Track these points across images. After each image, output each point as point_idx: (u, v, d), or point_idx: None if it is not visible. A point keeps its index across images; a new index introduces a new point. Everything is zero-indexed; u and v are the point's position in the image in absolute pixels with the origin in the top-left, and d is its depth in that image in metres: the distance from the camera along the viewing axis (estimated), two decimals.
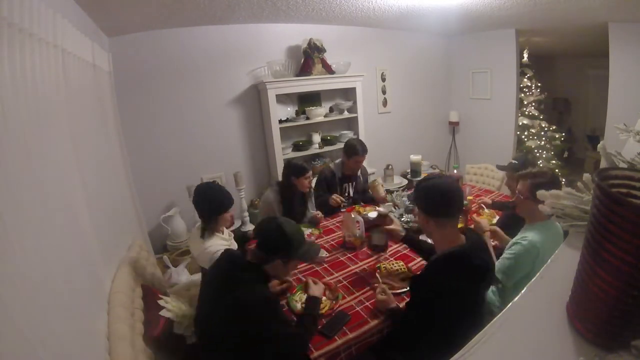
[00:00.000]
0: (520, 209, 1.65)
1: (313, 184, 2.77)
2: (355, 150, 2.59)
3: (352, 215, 2.06)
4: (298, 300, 1.55)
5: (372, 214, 2.25)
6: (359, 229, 2.03)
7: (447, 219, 1.26)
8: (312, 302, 1.44)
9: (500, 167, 2.38)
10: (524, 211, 1.64)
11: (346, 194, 2.77)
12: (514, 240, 1.58)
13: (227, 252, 1.38)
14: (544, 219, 1.56)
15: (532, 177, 1.59)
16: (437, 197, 1.26)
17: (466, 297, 1.21)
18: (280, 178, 2.53)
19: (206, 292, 1.32)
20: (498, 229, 1.92)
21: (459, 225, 2.11)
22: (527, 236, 1.51)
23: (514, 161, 2.26)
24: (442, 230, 1.28)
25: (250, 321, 1.16)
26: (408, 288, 1.56)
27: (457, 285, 1.18)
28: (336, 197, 2.56)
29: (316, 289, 1.50)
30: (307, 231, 2.28)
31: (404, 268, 1.72)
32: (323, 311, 1.45)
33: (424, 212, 1.29)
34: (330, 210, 2.59)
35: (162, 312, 1.45)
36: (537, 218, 1.58)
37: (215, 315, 1.21)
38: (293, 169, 2.42)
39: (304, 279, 1.73)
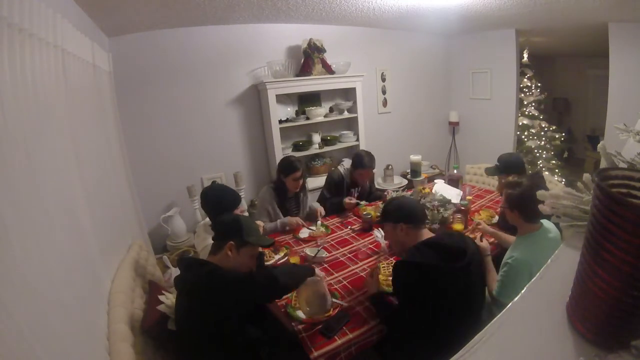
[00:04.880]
0: (508, 218, 1.63)
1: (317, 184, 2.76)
2: (361, 162, 2.52)
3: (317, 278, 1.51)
4: (299, 308, 1.50)
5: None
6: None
7: (423, 223, 1.48)
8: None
9: (487, 171, 2.36)
10: (509, 219, 1.63)
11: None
12: (504, 259, 1.54)
13: (181, 258, 1.44)
14: (532, 230, 1.54)
15: (508, 187, 1.59)
16: (413, 207, 1.47)
17: (443, 276, 1.27)
18: None
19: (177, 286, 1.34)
20: (496, 231, 1.92)
21: (459, 226, 2.14)
22: (515, 254, 1.48)
23: (497, 163, 2.24)
24: (418, 232, 1.44)
25: (210, 299, 1.18)
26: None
27: (433, 263, 1.27)
28: (349, 201, 2.53)
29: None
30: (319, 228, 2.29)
31: None
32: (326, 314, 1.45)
33: (405, 222, 1.43)
34: (336, 212, 2.58)
35: (160, 307, 1.46)
36: (522, 229, 1.57)
37: (183, 308, 1.26)
38: (283, 166, 2.34)
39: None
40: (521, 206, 1.52)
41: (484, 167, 2.76)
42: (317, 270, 1.52)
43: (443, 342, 0.82)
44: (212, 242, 1.38)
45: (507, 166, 2.19)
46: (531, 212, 1.50)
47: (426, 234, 1.46)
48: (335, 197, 2.62)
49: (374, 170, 3.72)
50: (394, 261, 1.82)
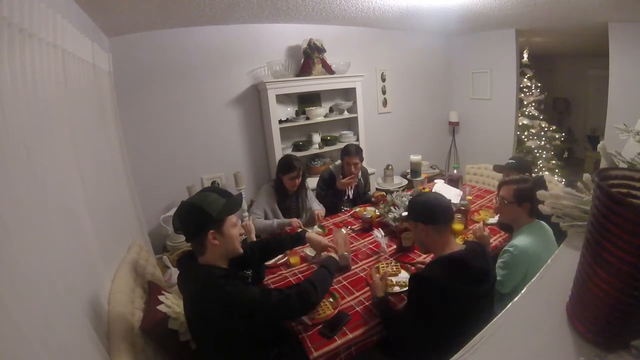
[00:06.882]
0: (503, 215, 1.73)
1: (313, 185, 2.76)
2: (347, 151, 2.59)
3: (343, 231, 1.86)
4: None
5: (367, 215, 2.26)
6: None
7: (445, 225, 1.37)
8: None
9: (497, 168, 2.40)
10: (507, 217, 1.71)
11: (345, 197, 2.76)
12: (504, 248, 1.60)
13: (183, 255, 1.39)
14: (529, 222, 1.63)
15: (516, 183, 1.67)
16: (435, 206, 1.37)
17: (465, 299, 1.24)
18: None
19: (183, 291, 1.32)
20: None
21: (459, 226, 2.13)
22: (515, 242, 1.55)
23: (511, 161, 2.28)
24: (441, 237, 1.36)
25: (224, 314, 1.14)
26: (406, 288, 1.58)
27: (457, 286, 1.22)
28: (342, 181, 2.55)
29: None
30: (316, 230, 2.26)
31: (400, 268, 1.74)
32: (324, 314, 1.44)
33: (424, 222, 1.36)
34: (334, 202, 2.59)
35: (160, 307, 1.46)
36: (521, 222, 1.65)
37: (191, 314, 1.24)
38: (281, 164, 2.36)
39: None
40: (533, 199, 1.55)
41: (491, 166, 2.80)
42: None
43: (444, 345, 0.82)
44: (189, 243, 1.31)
45: (521, 165, 2.25)
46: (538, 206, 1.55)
47: (450, 241, 1.38)
48: (326, 196, 2.67)
49: (374, 170, 3.75)
50: (393, 261, 1.83)
